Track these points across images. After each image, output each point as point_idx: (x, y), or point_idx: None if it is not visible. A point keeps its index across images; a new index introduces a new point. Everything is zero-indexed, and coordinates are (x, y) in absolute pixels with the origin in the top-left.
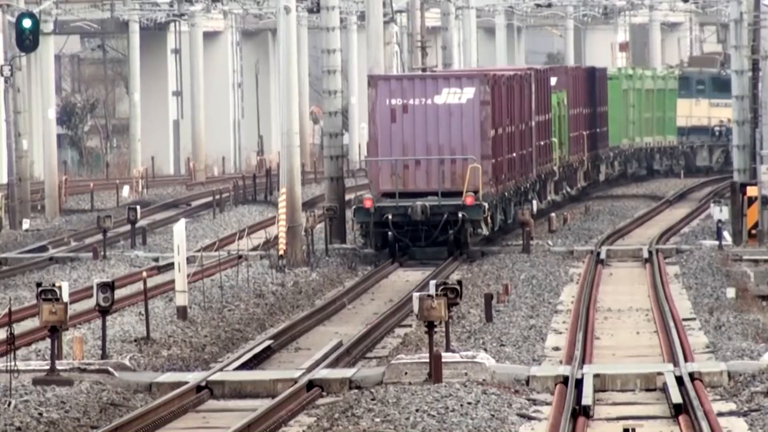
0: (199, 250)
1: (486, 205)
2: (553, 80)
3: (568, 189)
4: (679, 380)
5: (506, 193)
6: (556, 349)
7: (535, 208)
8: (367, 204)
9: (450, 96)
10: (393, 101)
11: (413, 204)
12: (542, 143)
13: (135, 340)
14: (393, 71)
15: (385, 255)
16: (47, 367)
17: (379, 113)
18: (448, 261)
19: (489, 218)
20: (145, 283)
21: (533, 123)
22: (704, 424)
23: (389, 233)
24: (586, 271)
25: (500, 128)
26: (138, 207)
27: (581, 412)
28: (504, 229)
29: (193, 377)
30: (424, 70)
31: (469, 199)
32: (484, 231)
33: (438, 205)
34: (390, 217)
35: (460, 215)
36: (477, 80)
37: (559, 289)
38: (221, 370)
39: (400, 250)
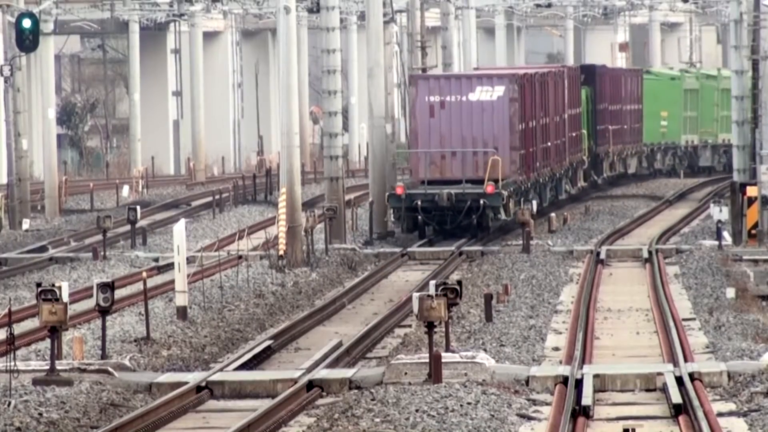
0: (199, 250)
1: (505, 193)
2: (581, 77)
3: (595, 177)
4: (679, 380)
5: (541, 180)
6: (556, 349)
7: (534, 208)
8: (399, 191)
9: (482, 93)
10: (431, 98)
11: (440, 191)
12: (573, 134)
13: (135, 340)
14: (393, 71)
15: (386, 255)
16: (47, 367)
17: (419, 109)
18: (448, 260)
19: (510, 205)
20: (145, 283)
21: (566, 116)
22: (704, 425)
23: (419, 217)
24: (586, 271)
25: (532, 121)
26: (138, 207)
27: (581, 412)
28: (540, 212)
29: (193, 377)
30: (424, 70)
31: (489, 188)
32: (503, 216)
33: (462, 193)
34: (419, 202)
35: (481, 202)
36: (506, 79)
37: (559, 289)
38: (221, 370)
39: (435, 232)
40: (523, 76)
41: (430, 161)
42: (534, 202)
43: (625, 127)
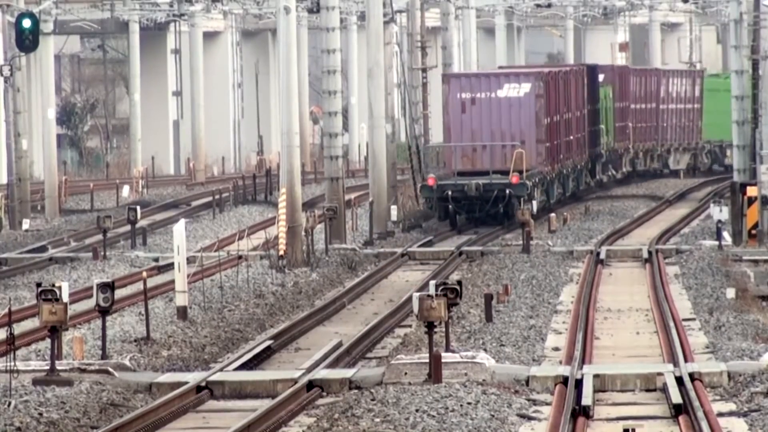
0: (199, 251)
1: (530, 183)
2: (600, 77)
3: (614, 172)
4: (679, 380)
5: (564, 171)
6: (556, 349)
7: (535, 208)
8: (431, 182)
9: (510, 90)
10: (463, 95)
11: (469, 182)
12: (593, 129)
13: (135, 341)
14: (393, 71)
15: (386, 255)
16: (47, 368)
17: (452, 105)
18: (448, 260)
19: (535, 194)
20: (145, 283)
21: (586, 111)
22: (704, 425)
23: (450, 206)
24: (585, 271)
25: (556, 116)
26: (138, 207)
27: (581, 412)
28: (562, 202)
29: (193, 377)
30: (424, 70)
31: (514, 179)
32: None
33: (489, 183)
34: (450, 193)
35: (507, 192)
36: (532, 77)
37: (559, 289)
38: (221, 370)
39: (468, 221)
40: (548, 73)
41: (462, 154)
42: (534, 202)
43: (665, 125)
